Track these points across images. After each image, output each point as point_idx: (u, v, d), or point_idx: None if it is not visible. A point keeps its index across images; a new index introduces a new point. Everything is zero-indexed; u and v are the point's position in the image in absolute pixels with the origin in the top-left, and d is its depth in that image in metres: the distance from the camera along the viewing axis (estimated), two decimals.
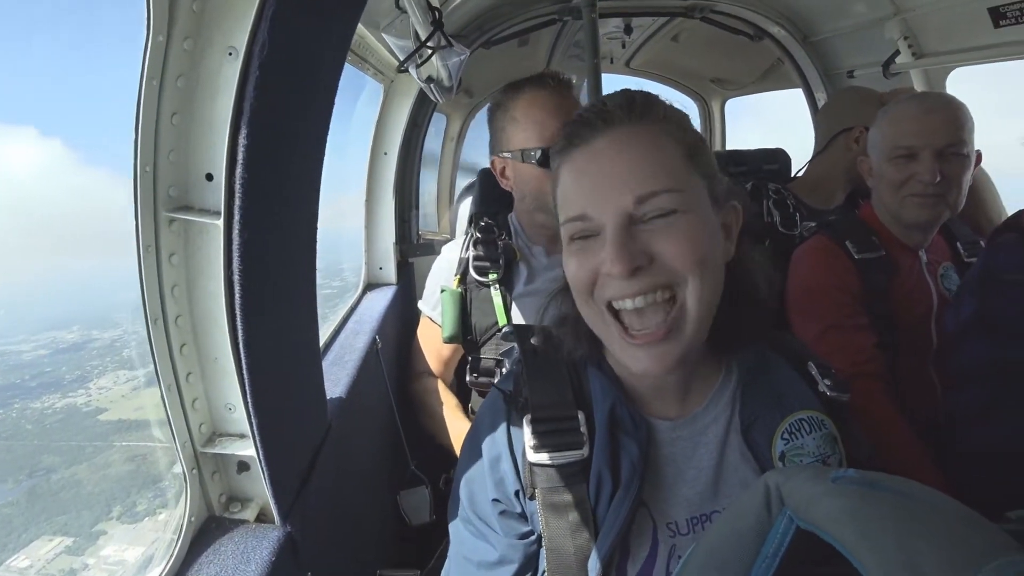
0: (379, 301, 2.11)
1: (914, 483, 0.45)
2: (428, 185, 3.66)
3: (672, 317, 0.75)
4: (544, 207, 1.61)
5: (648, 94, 0.82)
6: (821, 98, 2.92)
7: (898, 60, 2.33)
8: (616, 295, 0.76)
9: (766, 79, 3.62)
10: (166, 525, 1.02)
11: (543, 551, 0.83)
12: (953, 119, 1.49)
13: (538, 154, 1.55)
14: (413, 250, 2.48)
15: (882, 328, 1.54)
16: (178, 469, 0.92)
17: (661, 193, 0.74)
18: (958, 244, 1.69)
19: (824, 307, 1.56)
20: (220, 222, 0.76)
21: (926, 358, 1.59)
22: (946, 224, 1.64)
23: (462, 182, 3.59)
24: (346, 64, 1.84)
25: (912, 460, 1.36)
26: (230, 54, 0.72)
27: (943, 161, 1.46)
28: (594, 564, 0.78)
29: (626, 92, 0.81)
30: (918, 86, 2.40)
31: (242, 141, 0.72)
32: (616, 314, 0.78)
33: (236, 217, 0.75)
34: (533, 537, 0.87)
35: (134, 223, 0.74)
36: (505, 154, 1.63)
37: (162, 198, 0.76)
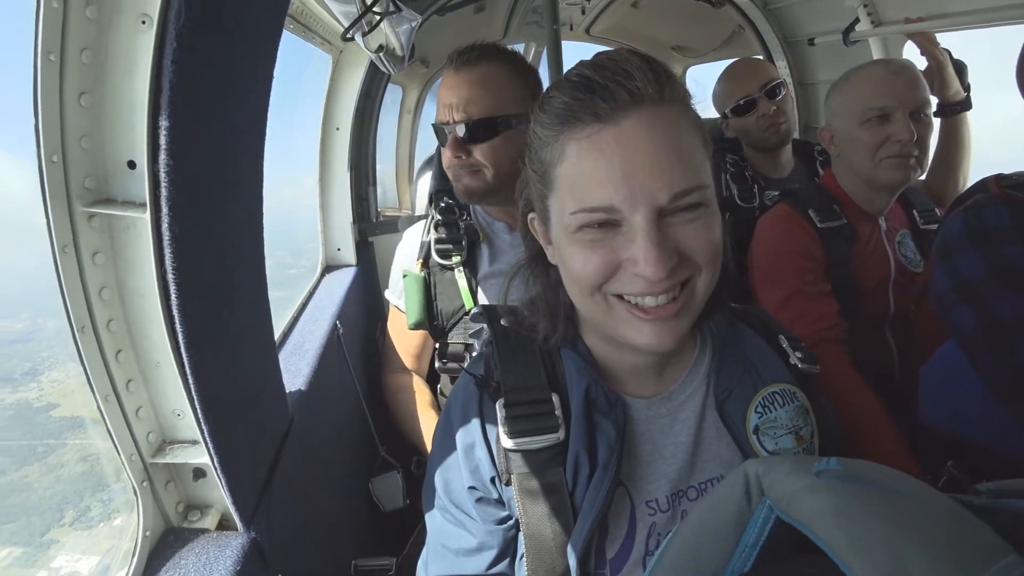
0: (338, 284, 2.03)
1: (899, 475, 0.44)
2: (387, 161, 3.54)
3: (684, 295, 0.73)
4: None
5: (663, 64, 0.73)
6: (781, 65, 2.91)
7: (858, 28, 2.32)
8: (640, 292, 0.71)
9: (727, 47, 3.58)
10: (123, 531, 0.95)
11: (521, 535, 0.81)
12: (918, 80, 1.50)
13: (441, 132, 1.49)
14: (373, 229, 2.39)
15: (844, 295, 1.56)
16: (127, 481, 0.86)
17: (694, 191, 0.69)
18: (915, 212, 1.72)
19: (788, 274, 1.57)
20: (147, 215, 0.68)
21: (883, 323, 1.63)
22: (904, 192, 1.66)
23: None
24: (291, 35, 1.72)
25: (874, 423, 1.39)
26: (143, 22, 0.62)
27: (915, 122, 1.47)
28: (574, 547, 0.77)
29: (644, 58, 0.71)
30: (876, 54, 2.41)
31: (163, 123, 0.63)
32: (620, 296, 0.74)
33: (164, 209, 0.67)
34: (511, 522, 0.85)
35: (45, 221, 0.65)
36: None
37: (77, 191, 0.67)
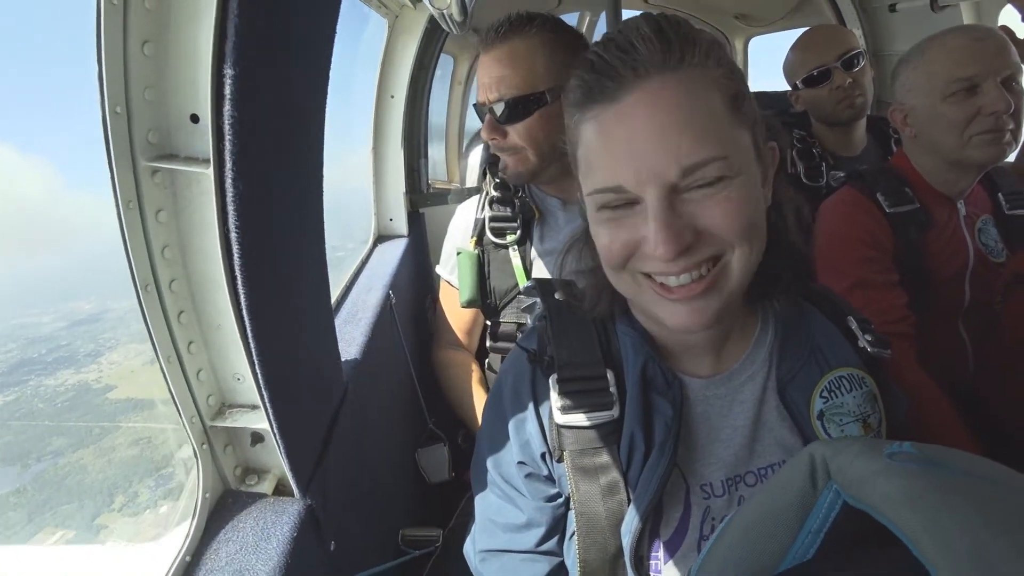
0: (391, 254, 2.02)
1: (982, 460, 0.41)
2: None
3: (713, 274, 0.69)
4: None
5: (682, 24, 0.68)
6: (856, 35, 2.70)
7: None
8: (657, 271, 0.69)
9: (795, 15, 3.34)
10: (168, 519, 0.96)
11: (571, 514, 0.80)
12: (1007, 47, 1.34)
13: (480, 112, 1.45)
14: (424, 200, 2.36)
15: (914, 286, 1.44)
16: (187, 446, 0.86)
17: (709, 163, 0.64)
18: (1000, 195, 1.55)
19: (852, 263, 1.45)
20: (210, 171, 0.65)
21: (955, 316, 1.50)
22: (988, 173, 1.51)
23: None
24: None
25: (945, 423, 1.30)
26: None
27: (1007, 91, 1.32)
28: (628, 529, 0.75)
29: (656, 24, 0.67)
30: (967, 21, 2.19)
31: (228, 72, 0.60)
32: (649, 275, 0.71)
33: (228, 164, 0.64)
34: (561, 500, 0.84)
35: (109, 176, 0.64)
36: None
37: (140, 145, 0.65)
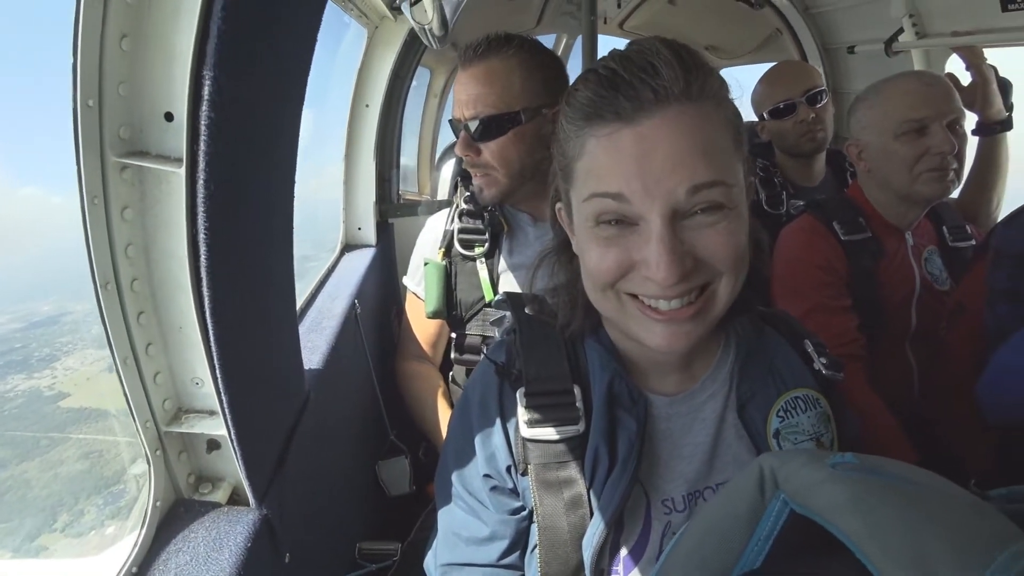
0: (358, 263, 2.00)
1: (917, 469, 0.43)
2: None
3: (702, 300, 0.70)
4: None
5: (696, 54, 0.69)
6: (819, 72, 2.84)
7: (901, 38, 2.26)
8: (651, 295, 0.70)
9: (761, 50, 3.51)
10: (115, 539, 0.92)
11: (534, 527, 0.80)
12: (953, 91, 1.47)
13: (455, 128, 1.47)
14: (393, 211, 2.36)
15: (865, 310, 1.53)
16: (141, 461, 0.83)
17: (716, 185, 0.65)
18: (944, 228, 1.67)
19: (809, 287, 1.54)
20: (182, 170, 0.64)
21: (903, 340, 1.60)
22: (935, 207, 1.62)
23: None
24: (329, 4, 1.68)
25: (893, 443, 1.37)
26: None
27: (952, 134, 1.44)
28: (589, 542, 0.76)
29: (675, 50, 0.67)
30: (918, 66, 2.34)
31: (207, 73, 0.59)
32: (635, 295, 0.72)
33: (201, 165, 0.63)
34: (524, 513, 0.84)
35: (76, 169, 0.62)
36: None
37: (111, 140, 0.64)
